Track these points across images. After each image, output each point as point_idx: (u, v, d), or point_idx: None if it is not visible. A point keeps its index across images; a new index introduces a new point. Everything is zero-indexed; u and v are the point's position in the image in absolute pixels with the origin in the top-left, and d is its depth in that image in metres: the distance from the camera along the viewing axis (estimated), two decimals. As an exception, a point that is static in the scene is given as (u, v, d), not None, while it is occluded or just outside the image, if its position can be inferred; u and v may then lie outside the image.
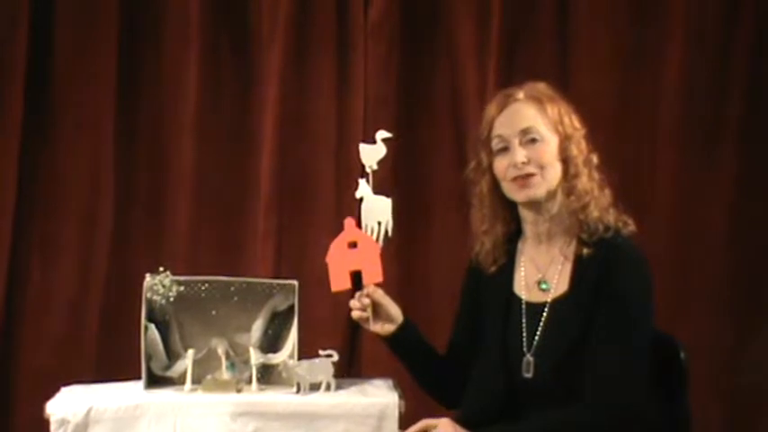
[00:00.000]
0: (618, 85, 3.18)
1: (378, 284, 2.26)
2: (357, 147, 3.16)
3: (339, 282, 2.27)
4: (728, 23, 3.16)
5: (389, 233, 2.29)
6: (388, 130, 2.37)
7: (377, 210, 2.29)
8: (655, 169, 3.16)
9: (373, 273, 2.25)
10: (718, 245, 3.14)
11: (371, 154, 2.32)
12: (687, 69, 3.15)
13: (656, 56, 3.18)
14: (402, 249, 3.09)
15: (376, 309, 2.27)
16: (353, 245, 2.27)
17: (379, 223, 2.29)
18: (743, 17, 3.15)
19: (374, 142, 2.34)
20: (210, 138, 3.27)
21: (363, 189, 2.30)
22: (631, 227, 2.16)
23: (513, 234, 2.27)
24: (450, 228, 3.19)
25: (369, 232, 2.28)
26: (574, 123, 2.19)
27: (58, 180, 3.27)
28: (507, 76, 3.02)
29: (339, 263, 2.26)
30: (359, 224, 2.29)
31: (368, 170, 2.31)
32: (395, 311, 2.30)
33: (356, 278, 2.27)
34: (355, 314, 2.28)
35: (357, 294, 2.28)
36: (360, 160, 3.15)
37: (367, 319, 2.27)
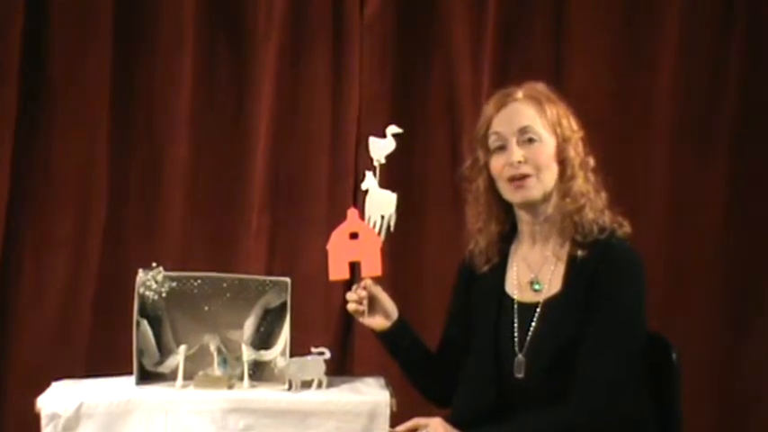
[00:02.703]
0: (612, 85, 3.18)
1: (375, 278, 2.26)
2: (351, 144, 3.22)
3: (338, 271, 2.27)
4: (722, 25, 3.16)
5: (392, 228, 2.29)
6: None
7: (381, 203, 2.29)
8: (649, 170, 3.16)
9: (372, 266, 2.25)
10: (711, 246, 3.13)
11: (380, 148, 2.32)
12: (681, 70, 3.15)
13: (650, 57, 3.18)
14: (395, 247, 3.09)
15: (372, 303, 2.27)
16: (355, 236, 2.27)
17: (383, 217, 2.29)
18: (736, 19, 3.15)
19: (383, 136, 2.34)
20: (205, 134, 3.28)
21: (369, 181, 2.30)
22: (626, 228, 2.16)
23: (508, 233, 2.26)
24: (443, 226, 3.19)
25: (371, 225, 2.28)
26: (572, 125, 2.19)
27: (51, 176, 3.27)
28: (502, 75, 3.03)
29: (339, 252, 2.26)
30: (361, 216, 2.29)
31: (375, 163, 2.31)
32: (390, 307, 2.30)
33: (354, 269, 2.27)
34: (351, 306, 2.28)
35: (354, 287, 2.28)
36: (354, 155, 3.21)
37: (362, 313, 2.27)
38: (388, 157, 2.33)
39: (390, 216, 2.29)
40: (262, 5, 3.27)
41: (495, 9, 3.16)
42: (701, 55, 3.15)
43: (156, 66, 3.30)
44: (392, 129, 2.34)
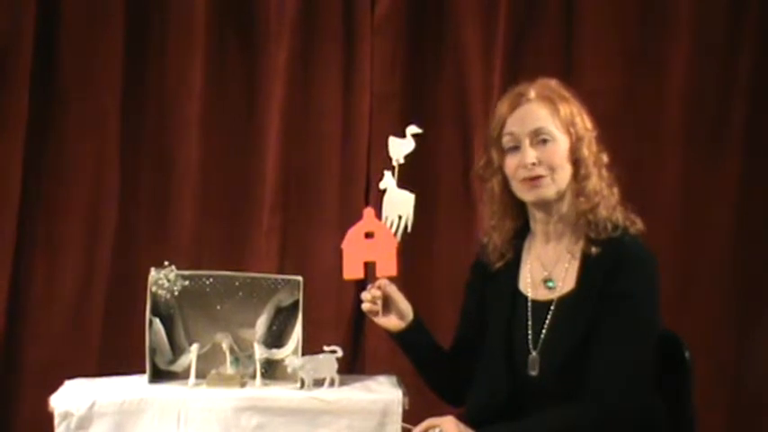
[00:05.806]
0: (623, 84, 3.17)
1: (390, 278, 2.26)
2: (362, 144, 3.23)
3: (352, 270, 2.27)
4: (734, 24, 3.15)
5: (409, 228, 2.29)
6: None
7: (399, 203, 2.28)
8: (659, 169, 3.16)
9: (387, 266, 2.25)
10: (722, 245, 3.13)
11: (400, 147, 2.31)
12: (692, 70, 3.15)
13: (661, 56, 3.18)
14: (406, 246, 3.08)
15: (386, 303, 2.27)
16: (370, 235, 2.27)
17: (400, 217, 2.28)
18: (748, 18, 3.15)
19: (394, 136, 2.33)
20: (216, 134, 3.28)
21: (388, 181, 2.29)
22: (639, 225, 2.16)
23: (521, 230, 2.26)
24: (454, 226, 3.20)
25: (389, 225, 2.28)
26: (586, 124, 2.19)
27: (63, 177, 3.28)
28: (513, 75, 3.01)
29: (354, 251, 2.26)
30: (378, 215, 2.28)
31: (394, 163, 2.30)
32: (405, 307, 2.29)
33: (369, 269, 2.27)
34: (365, 306, 2.28)
35: (369, 286, 2.28)
36: (366, 155, 3.21)
37: (377, 313, 2.27)
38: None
39: (408, 217, 2.29)
40: (273, 6, 3.27)
41: (507, 8, 3.16)
42: (712, 54, 3.14)
43: (168, 67, 3.31)
44: (412, 129, 2.33)
